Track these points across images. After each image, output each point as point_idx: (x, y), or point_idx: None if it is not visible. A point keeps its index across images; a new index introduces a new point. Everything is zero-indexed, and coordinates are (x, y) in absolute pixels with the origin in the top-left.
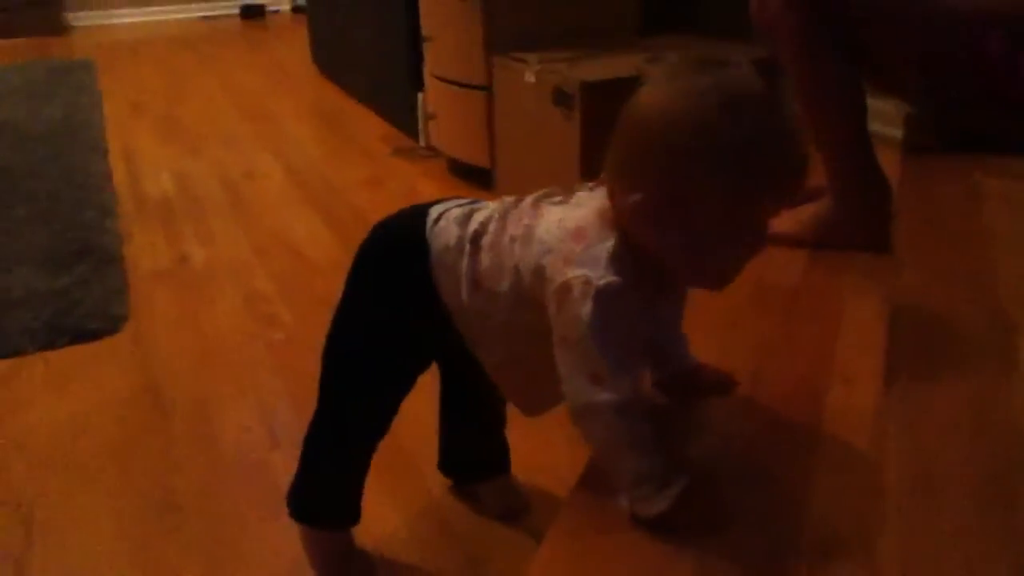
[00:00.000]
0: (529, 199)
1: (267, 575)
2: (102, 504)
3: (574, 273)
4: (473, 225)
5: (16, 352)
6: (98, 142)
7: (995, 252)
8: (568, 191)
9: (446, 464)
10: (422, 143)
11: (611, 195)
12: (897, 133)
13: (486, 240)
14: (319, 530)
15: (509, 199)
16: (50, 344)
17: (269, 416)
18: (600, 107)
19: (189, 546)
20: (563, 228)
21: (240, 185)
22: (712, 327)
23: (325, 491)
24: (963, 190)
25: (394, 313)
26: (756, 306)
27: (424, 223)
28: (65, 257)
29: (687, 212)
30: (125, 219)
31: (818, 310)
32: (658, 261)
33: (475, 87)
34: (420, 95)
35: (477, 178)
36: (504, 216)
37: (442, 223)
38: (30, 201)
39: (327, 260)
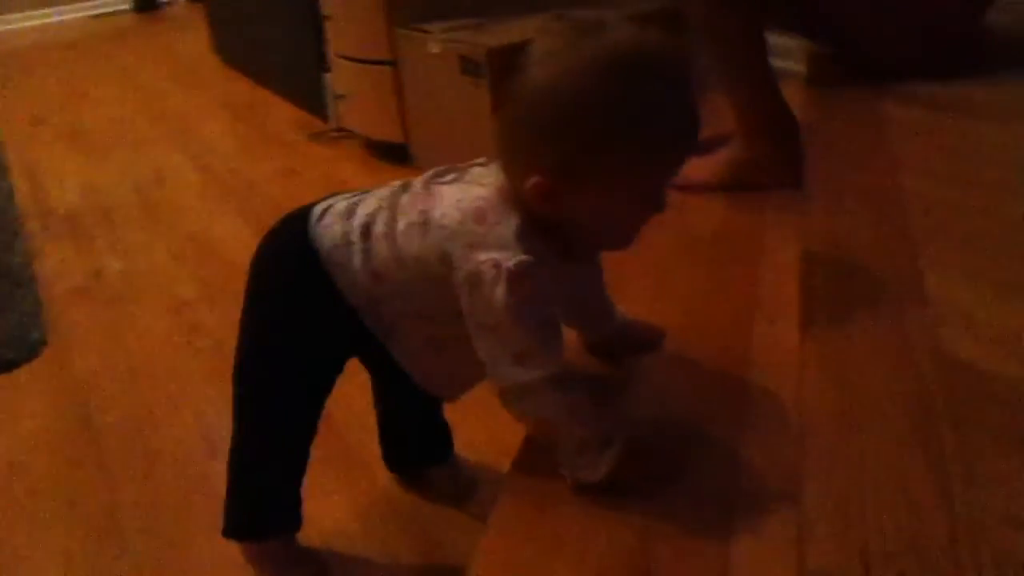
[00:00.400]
0: (419, 182)
1: None
2: (45, 543)
3: (482, 258)
4: (359, 218)
5: None
6: None
7: (902, 180)
8: (460, 168)
9: (390, 456)
10: (333, 125)
11: (507, 175)
12: (800, 68)
13: (377, 230)
14: (261, 543)
15: (396, 184)
16: None
17: (204, 426)
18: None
19: (138, 567)
20: (462, 210)
21: (151, 190)
22: (639, 281)
23: (260, 503)
24: (869, 121)
25: (296, 321)
26: (680, 256)
27: (307, 224)
28: None
29: (588, 188)
30: (33, 238)
31: (739, 253)
32: (564, 233)
33: (380, 63)
34: (326, 76)
35: (394, 155)
36: (393, 204)
37: (326, 220)
38: None
39: (249, 258)
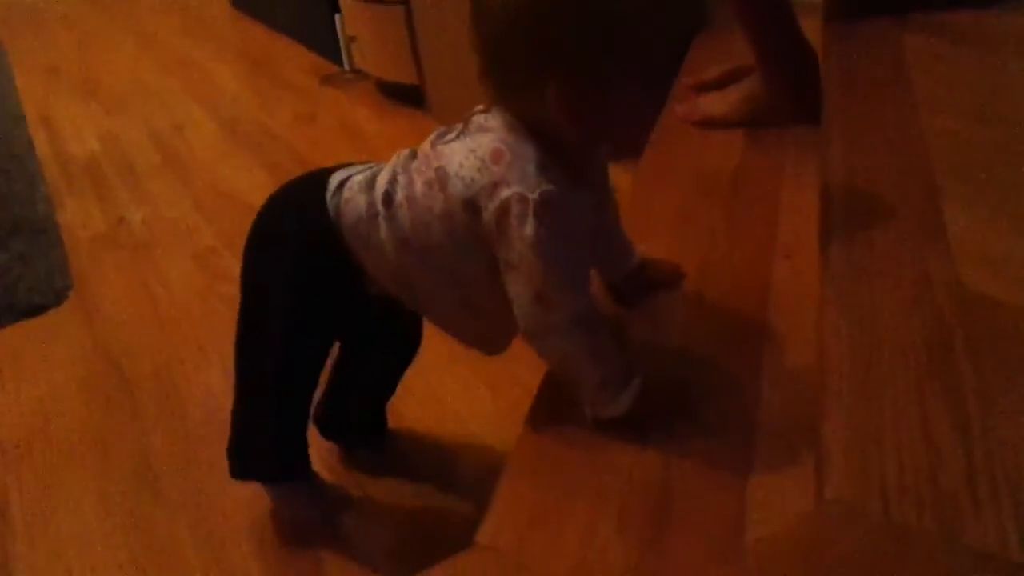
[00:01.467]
0: (425, 145)
1: (249, 523)
2: (82, 484)
3: (506, 193)
4: (380, 188)
5: None
6: (14, 112)
7: (922, 116)
8: (461, 124)
9: (329, 426)
10: (347, 67)
11: (510, 104)
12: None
13: (398, 197)
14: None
15: (404, 152)
16: None
17: (231, 371)
18: None
19: (173, 510)
20: (478, 156)
21: (171, 139)
22: (657, 220)
23: (263, 451)
24: (888, 54)
25: (308, 291)
26: (699, 195)
27: (323, 195)
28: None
29: (598, 85)
30: (54, 188)
31: (758, 191)
32: (579, 154)
33: (392, 2)
34: (337, 18)
35: (409, 97)
36: (407, 169)
37: (346, 193)
38: None
39: None
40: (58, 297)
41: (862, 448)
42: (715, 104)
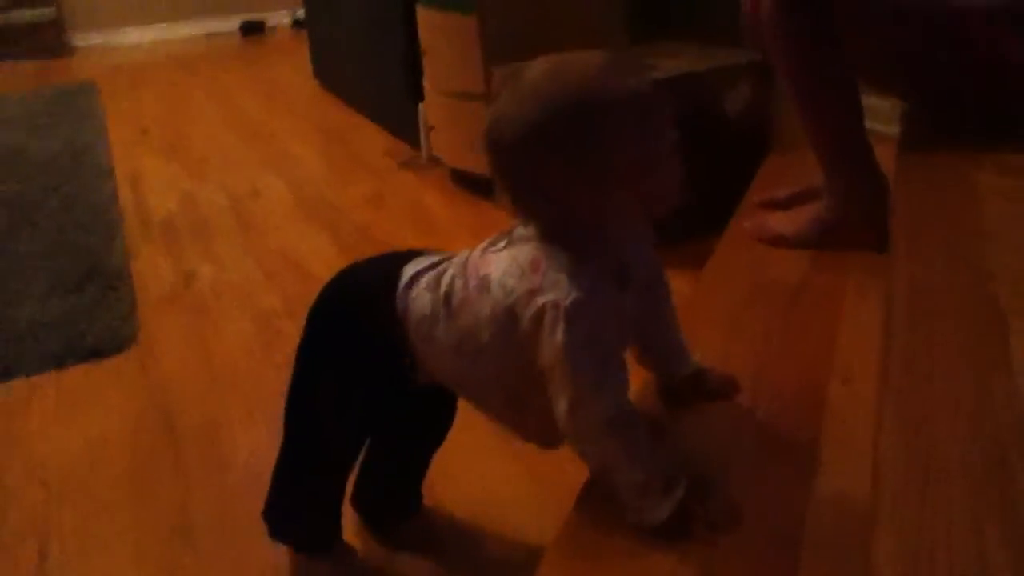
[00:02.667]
0: (477, 251)
1: None
2: (118, 531)
3: (540, 301)
4: (443, 288)
5: (28, 375)
6: (103, 166)
7: (992, 249)
8: (506, 233)
9: (364, 500)
10: (424, 155)
11: (535, 216)
12: (894, 131)
13: (455, 300)
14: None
15: (464, 252)
16: (60, 366)
17: (277, 438)
18: None
19: (206, 563)
20: (518, 266)
21: (245, 205)
22: (713, 328)
23: (298, 516)
24: (961, 187)
25: (364, 381)
26: (756, 306)
27: (395, 289)
28: (73, 281)
29: (610, 173)
30: (131, 241)
31: (818, 309)
32: (619, 244)
33: (473, 97)
34: (420, 107)
35: (479, 188)
36: (463, 272)
37: (414, 291)
38: (37, 230)
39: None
40: (121, 346)
41: (913, 564)
42: (783, 223)
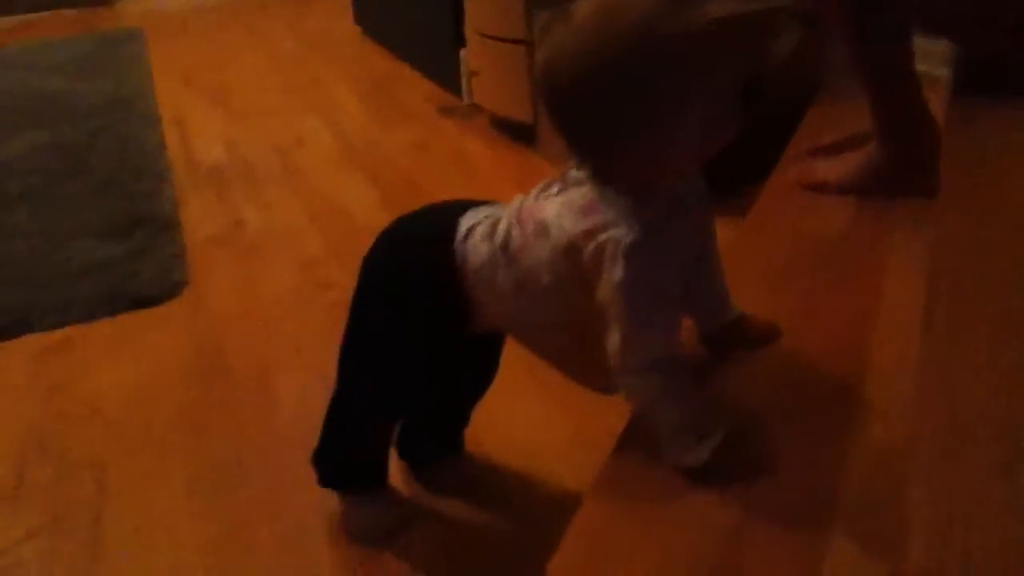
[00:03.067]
0: (530, 198)
1: (324, 522)
2: (172, 464)
3: (602, 237)
4: (499, 237)
5: (82, 319)
6: (150, 112)
7: None
8: (558, 179)
9: (409, 444)
10: (465, 101)
11: (589, 160)
12: (945, 73)
13: (513, 245)
14: (350, 493)
15: (517, 199)
16: (113, 310)
17: (324, 377)
18: None
19: (256, 501)
20: (573, 210)
21: (290, 151)
22: (757, 279)
23: (348, 463)
24: (1015, 135)
25: (423, 329)
26: (801, 257)
27: (452, 241)
28: (123, 225)
29: (677, 107)
30: (180, 187)
31: (863, 260)
32: (670, 182)
33: (516, 41)
34: (462, 52)
35: (521, 135)
36: (519, 219)
37: (471, 241)
38: (87, 173)
39: (378, 223)
40: (172, 291)
41: (947, 520)
42: (830, 169)
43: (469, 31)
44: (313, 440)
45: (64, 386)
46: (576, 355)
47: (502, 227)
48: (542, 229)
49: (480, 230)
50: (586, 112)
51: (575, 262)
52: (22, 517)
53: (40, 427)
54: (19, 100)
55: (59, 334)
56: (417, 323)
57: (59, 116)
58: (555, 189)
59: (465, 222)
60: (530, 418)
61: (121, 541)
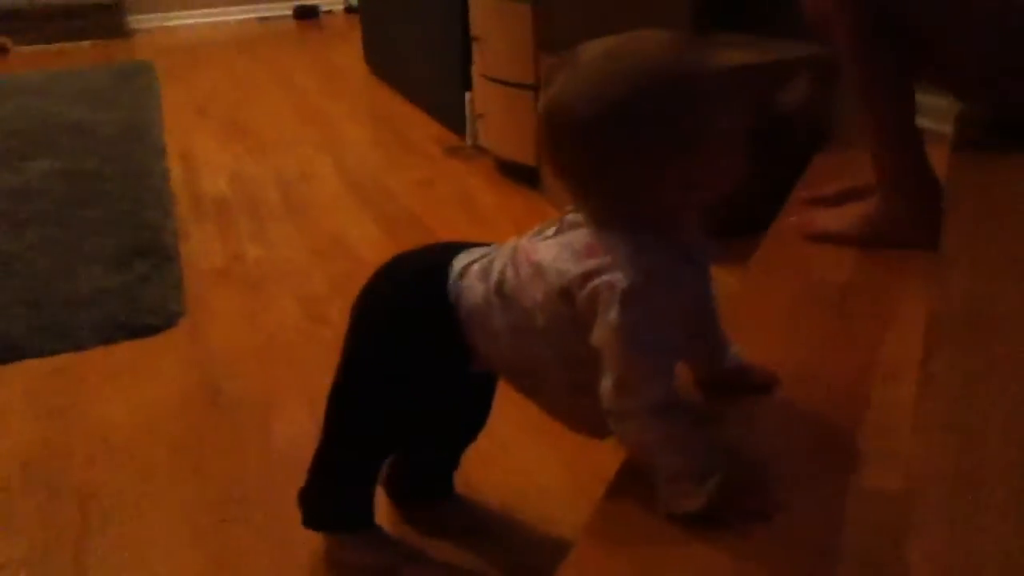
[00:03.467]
0: (524, 240)
1: (318, 564)
2: (165, 494)
3: (596, 282)
4: (493, 277)
5: (79, 346)
6: (158, 144)
7: None
8: (555, 221)
9: (397, 486)
10: (469, 142)
11: (598, 205)
12: (947, 129)
13: (507, 288)
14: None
15: (511, 242)
16: (111, 339)
17: (317, 414)
18: None
19: (250, 534)
20: (573, 251)
21: (295, 186)
22: (758, 326)
23: (335, 505)
24: (1015, 190)
25: (417, 370)
26: (801, 304)
27: (446, 280)
28: (128, 255)
29: (671, 166)
30: (183, 219)
31: (864, 309)
32: (672, 230)
33: (522, 86)
34: (468, 95)
35: (525, 177)
36: (513, 261)
37: (465, 281)
38: (96, 202)
39: (381, 260)
40: (170, 320)
41: (949, 572)
42: (831, 220)
43: (476, 74)
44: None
45: (56, 413)
46: (568, 399)
47: (496, 268)
48: (538, 271)
49: (475, 269)
50: (587, 150)
51: (569, 305)
52: (6, 545)
53: (28, 454)
54: (36, 127)
55: (57, 360)
56: (412, 361)
57: (73, 145)
58: (552, 231)
59: (459, 262)
60: (522, 460)
61: (107, 572)
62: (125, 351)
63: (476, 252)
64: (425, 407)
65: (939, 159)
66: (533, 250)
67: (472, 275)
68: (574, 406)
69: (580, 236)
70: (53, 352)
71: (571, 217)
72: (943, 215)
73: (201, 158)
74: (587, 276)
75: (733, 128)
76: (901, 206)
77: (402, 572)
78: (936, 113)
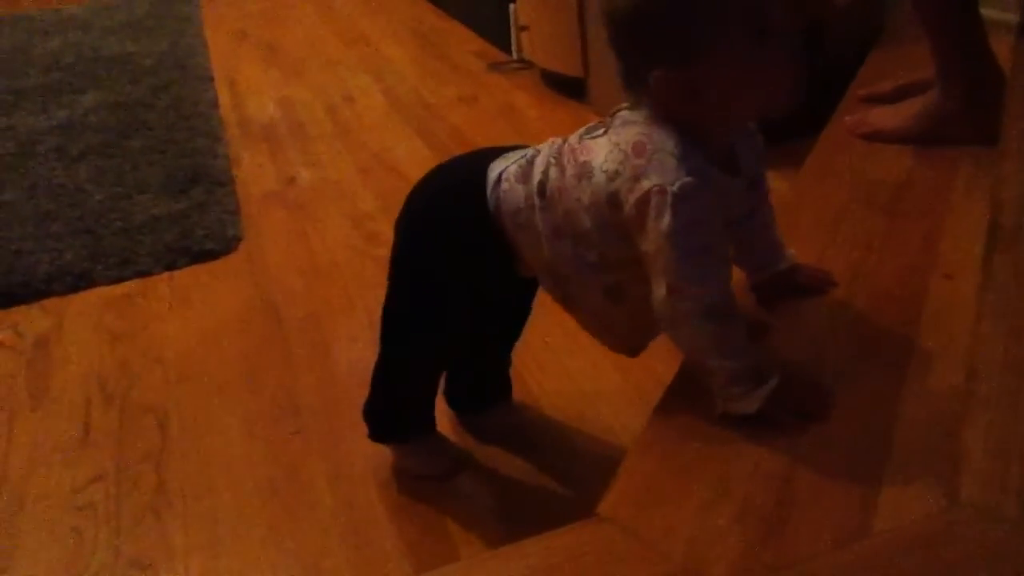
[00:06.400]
0: (573, 138)
1: (378, 468)
2: (231, 410)
3: (646, 185)
4: (536, 178)
5: (142, 273)
6: (204, 71)
7: None
8: (607, 119)
9: (457, 395)
10: (515, 56)
11: (644, 94)
12: (1013, 18)
13: (551, 188)
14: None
15: (556, 141)
16: (172, 264)
17: (374, 327)
18: None
19: (312, 445)
20: (621, 150)
21: (341, 108)
22: (813, 226)
23: (397, 415)
24: None
25: (467, 278)
26: (859, 203)
27: (483, 189)
28: (181, 183)
29: (715, 57)
30: (233, 144)
31: (922, 206)
32: (724, 139)
33: None
34: (512, 6)
35: (571, 89)
36: (558, 160)
37: (504, 185)
38: (145, 131)
39: None
40: (229, 245)
41: (1004, 454)
42: (887, 118)
43: None
44: (365, 389)
45: (127, 337)
46: (612, 306)
47: (538, 168)
48: (585, 171)
49: (512, 172)
50: (652, 24)
51: (617, 209)
52: (90, 462)
53: (104, 376)
54: (80, 62)
55: (121, 287)
56: (461, 272)
57: (120, 76)
58: (600, 131)
59: (494, 171)
60: (579, 368)
61: (183, 483)
62: (187, 276)
63: (511, 157)
64: (475, 315)
65: (1002, 48)
66: (582, 149)
67: (511, 178)
68: (608, 314)
69: (631, 133)
70: (118, 280)
71: (623, 114)
72: (1003, 108)
73: (246, 83)
74: (637, 177)
75: (784, 29)
76: (962, 100)
77: (461, 478)
78: (1001, 2)
